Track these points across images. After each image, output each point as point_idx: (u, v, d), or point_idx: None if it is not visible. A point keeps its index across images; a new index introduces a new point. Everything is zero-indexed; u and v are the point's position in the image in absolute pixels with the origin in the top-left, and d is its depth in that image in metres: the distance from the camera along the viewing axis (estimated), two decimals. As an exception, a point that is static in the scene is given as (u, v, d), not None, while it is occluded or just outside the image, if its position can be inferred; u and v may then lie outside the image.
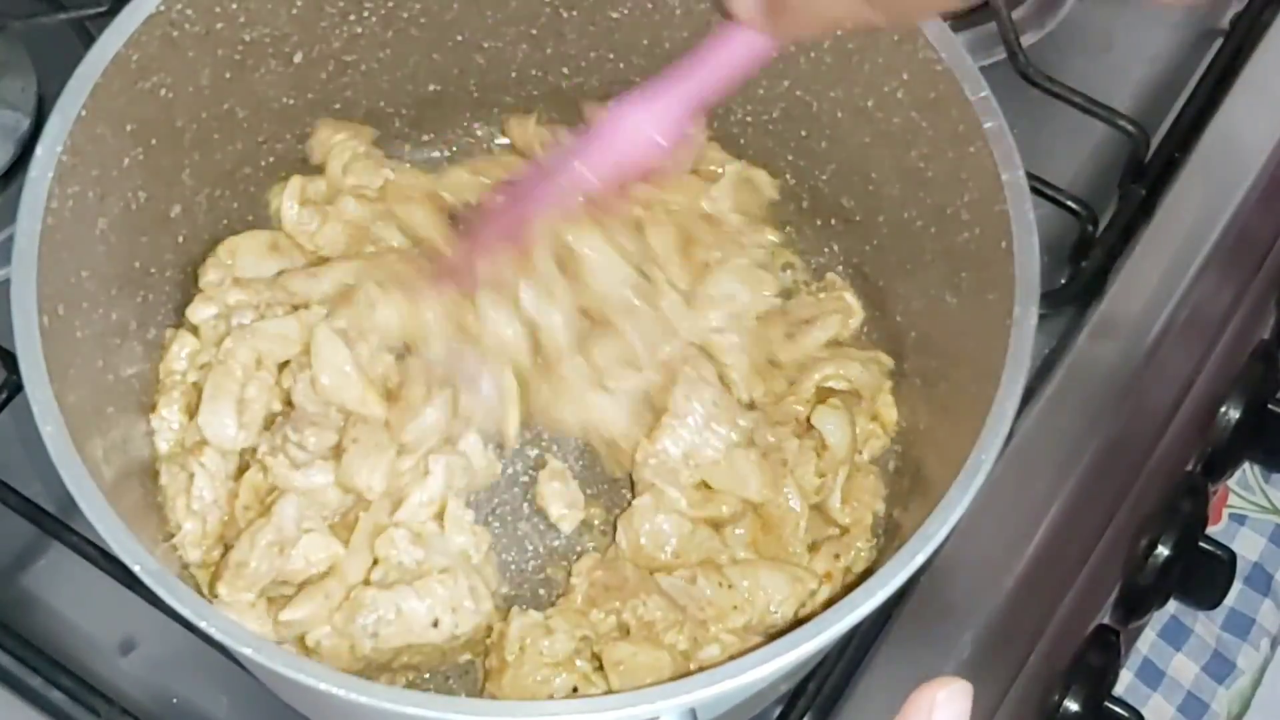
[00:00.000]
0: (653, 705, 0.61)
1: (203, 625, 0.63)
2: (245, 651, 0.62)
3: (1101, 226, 0.93)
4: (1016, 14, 1.01)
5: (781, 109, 0.85)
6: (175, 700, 0.82)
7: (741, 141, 0.88)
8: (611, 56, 0.87)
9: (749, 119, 0.87)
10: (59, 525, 0.80)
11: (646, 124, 0.74)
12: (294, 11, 0.80)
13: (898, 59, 0.76)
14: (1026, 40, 0.99)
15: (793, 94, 0.83)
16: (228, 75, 0.80)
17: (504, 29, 0.86)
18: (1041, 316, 0.89)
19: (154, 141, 0.76)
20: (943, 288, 0.77)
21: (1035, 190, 0.89)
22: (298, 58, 0.82)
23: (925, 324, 0.81)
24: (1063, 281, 0.93)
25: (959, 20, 1.02)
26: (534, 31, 0.86)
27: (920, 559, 0.64)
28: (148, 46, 0.74)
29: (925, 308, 0.80)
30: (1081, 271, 0.92)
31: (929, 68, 0.75)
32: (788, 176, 0.87)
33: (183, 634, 0.75)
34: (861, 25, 0.66)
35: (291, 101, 0.84)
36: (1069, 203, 0.91)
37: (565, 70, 0.89)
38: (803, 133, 0.85)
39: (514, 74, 0.89)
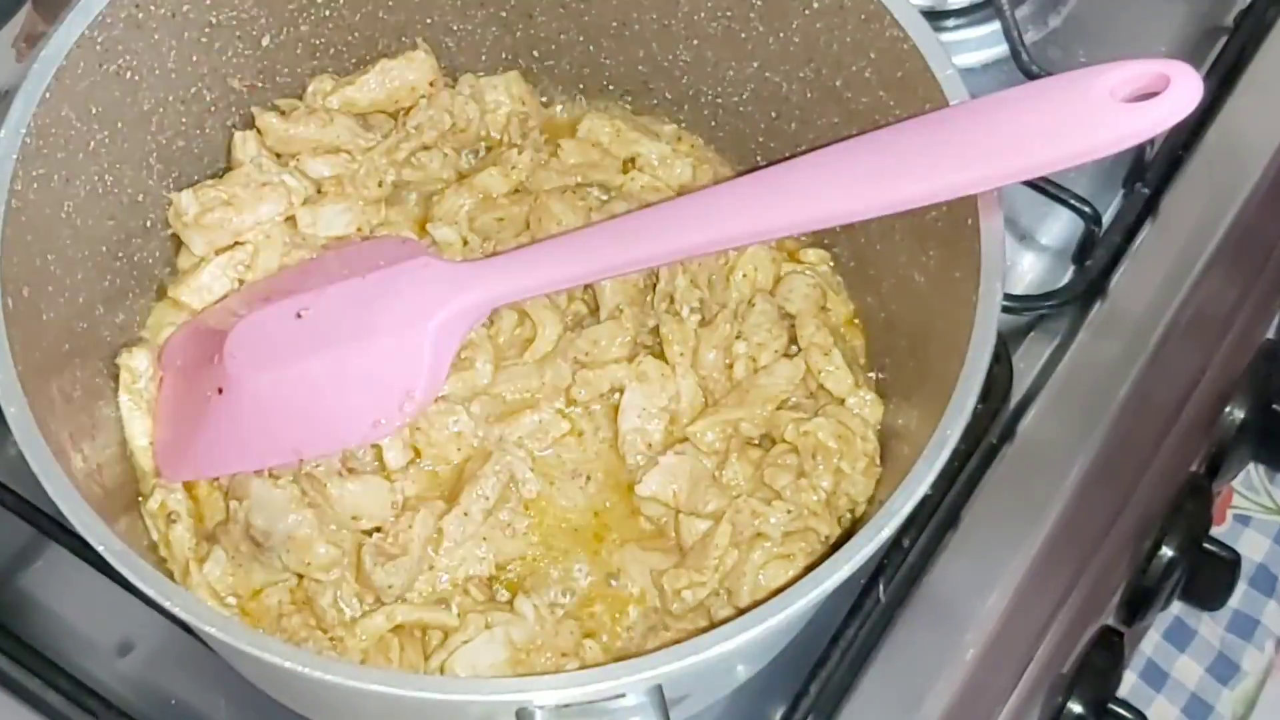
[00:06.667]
0: (617, 681, 0.61)
1: (167, 605, 0.63)
2: (210, 630, 0.62)
3: (1105, 225, 0.93)
4: (1020, 12, 1.01)
5: (750, 90, 0.85)
6: (173, 701, 0.81)
7: (712, 124, 0.88)
8: (581, 39, 0.87)
9: (719, 100, 0.87)
10: (56, 527, 0.80)
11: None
12: (261, -6, 0.80)
13: (865, 38, 0.76)
14: (1029, 38, 0.99)
15: (761, 75, 0.83)
16: (194, 58, 0.80)
17: (473, 11, 0.86)
18: (1044, 316, 0.91)
19: (120, 125, 0.76)
20: (911, 267, 0.77)
21: (1039, 189, 0.90)
22: (265, 40, 0.82)
23: (894, 303, 0.81)
24: (1066, 280, 0.93)
25: (962, 18, 1.02)
26: (503, 14, 0.87)
27: (886, 534, 0.64)
28: (113, 29, 0.74)
29: (894, 287, 0.80)
30: (1085, 270, 0.92)
31: (896, 46, 0.75)
32: (759, 159, 0.87)
33: (180, 636, 0.76)
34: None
35: (260, 85, 0.84)
36: (1073, 201, 0.91)
37: (535, 53, 0.89)
38: (772, 114, 0.85)
39: (484, 57, 0.89)
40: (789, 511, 0.75)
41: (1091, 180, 0.95)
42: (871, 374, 0.83)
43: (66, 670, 0.78)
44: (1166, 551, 0.99)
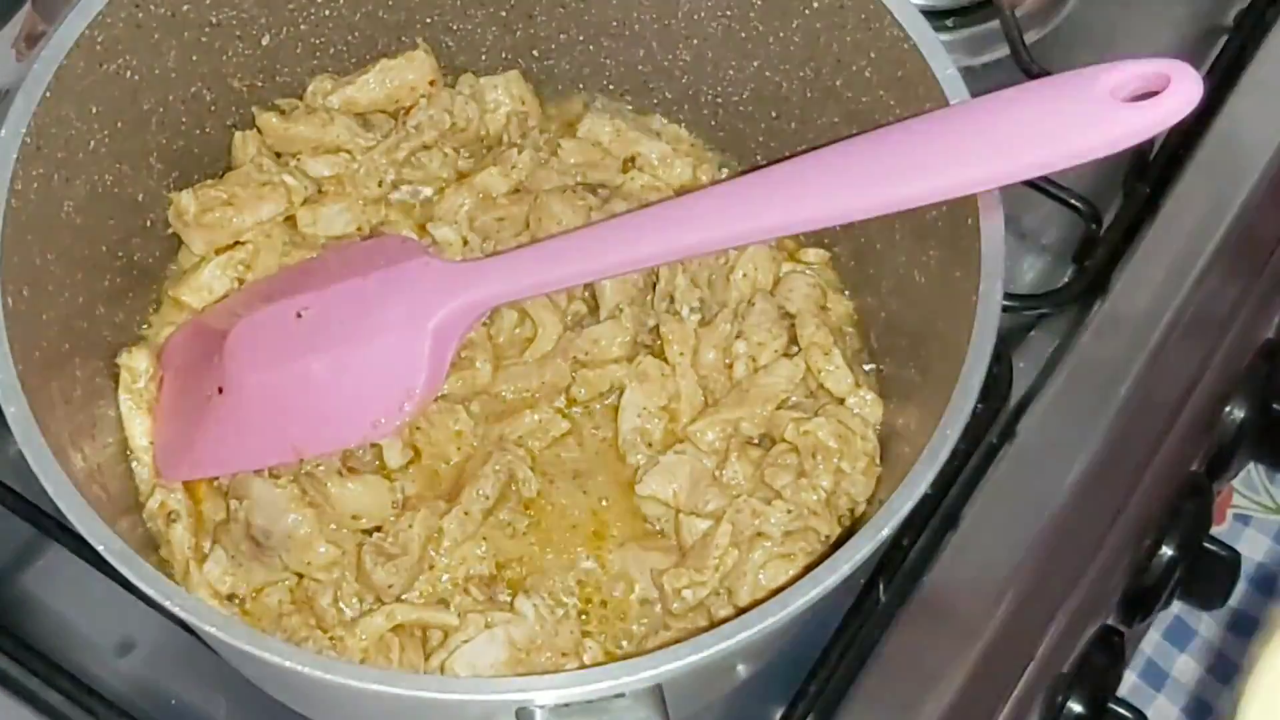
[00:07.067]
0: (617, 681, 0.61)
1: (167, 605, 0.63)
2: (210, 630, 0.62)
3: (1105, 225, 0.92)
4: (1020, 11, 1.01)
5: (751, 90, 0.85)
6: (173, 701, 0.81)
7: (712, 123, 0.88)
8: (582, 39, 0.87)
9: (719, 100, 0.87)
10: (56, 526, 0.79)
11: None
12: (261, -7, 0.80)
13: (865, 38, 0.76)
14: (1030, 37, 0.99)
15: (762, 75, 0.83)
16: (194, 58, 0.80)
17: (473, 11, 0.86)
18: (1045, 315, 0.90)
19: (120, 124, 0.76)
20: (911, 266, 0.77)
21: (1039, 189, 0.90)
22: (265, 40, 0.82)
23: (895, 303, 0.81)
24: (1066, 280, 0.92)
25: (963, 17, 1.02)
26: (503, 14, 0.87)
27: (886, 533, 0.64)
28: (113, 28, 0.74)
29: (895, 287, 0.80)
30: (1085, 270, 0.91)
31: (897, 46, 0.75)
32: (759, 159, 0.87)
33: (180, 636, 0.76)
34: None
35: (260, 85, 0.84)
36: (1073, 201, 0.91)
37: (535, 53, 0.89)
38: (772, 114, 0.85)
39: (484, 57, 0.89)
40: (789, 511, 0.76)
41: (1091, 180, 0.95)
42: (869, 371, 0.83)
43: (66, 670, 0.78)
44: (1166, 551, 0.99)
